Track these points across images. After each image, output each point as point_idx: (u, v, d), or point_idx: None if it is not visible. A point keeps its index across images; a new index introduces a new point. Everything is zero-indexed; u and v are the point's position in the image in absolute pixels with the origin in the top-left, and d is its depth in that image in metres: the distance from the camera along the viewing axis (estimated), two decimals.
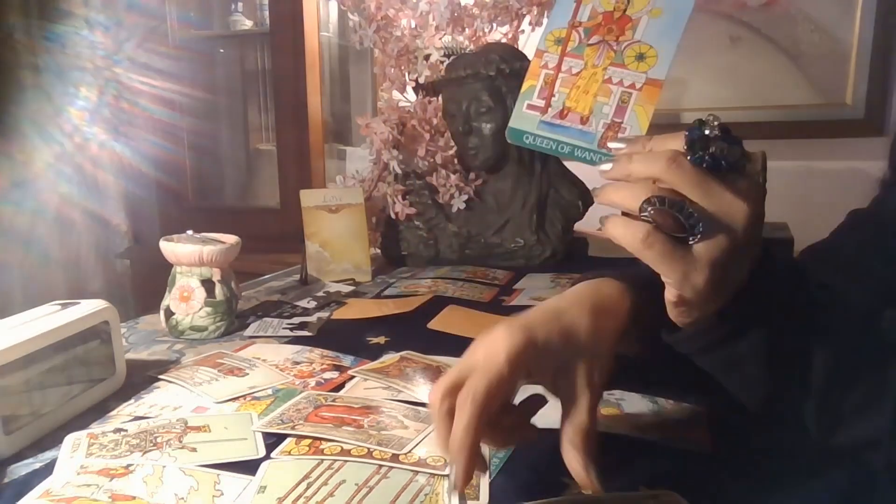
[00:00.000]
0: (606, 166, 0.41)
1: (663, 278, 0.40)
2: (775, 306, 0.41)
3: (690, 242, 0.37)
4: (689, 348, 0.43)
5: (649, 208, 0.37)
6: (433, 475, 0.45)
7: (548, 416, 0.54)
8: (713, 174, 0.37)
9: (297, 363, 0.68)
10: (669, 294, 0.41)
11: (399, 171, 1.19)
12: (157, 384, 0.64)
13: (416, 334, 0.76)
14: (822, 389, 0.41)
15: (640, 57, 0.44)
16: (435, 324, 0.81)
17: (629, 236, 0.38)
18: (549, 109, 0.51)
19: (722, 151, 0.37)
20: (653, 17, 0.45)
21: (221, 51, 2.26)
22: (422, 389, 0.60)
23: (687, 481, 0.44)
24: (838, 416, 0.41)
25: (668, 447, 0.48)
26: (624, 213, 0.39)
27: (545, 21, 0.54)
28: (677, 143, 0.39)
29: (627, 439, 0.49)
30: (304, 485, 0.44)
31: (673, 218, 0.37)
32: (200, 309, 0.77)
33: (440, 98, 1.23)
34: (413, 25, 1.25)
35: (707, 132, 0.38)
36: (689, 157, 0.37)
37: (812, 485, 0.42)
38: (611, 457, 0.47)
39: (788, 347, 0.41)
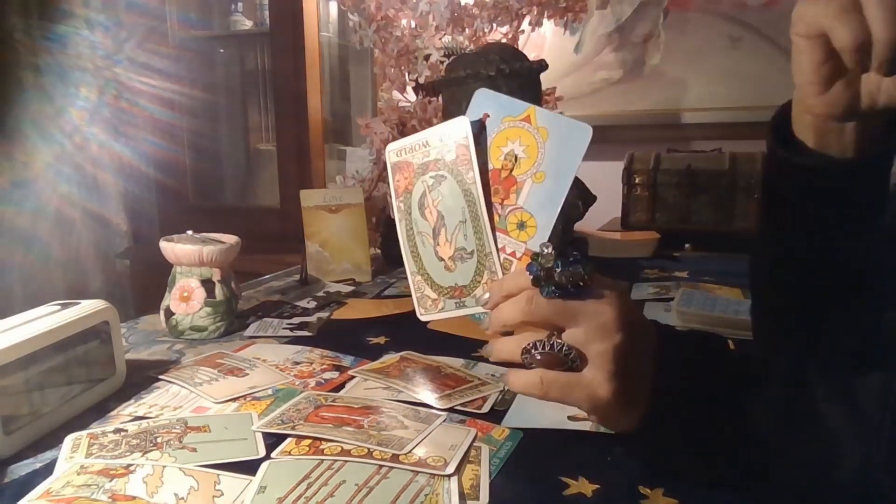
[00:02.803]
0: (487, 326, 0.44)
1: (578, 409, 0.41)
2: (693, 394, 0.42)
3: (577, 370, 0.39)
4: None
5: (526, 357, 0.40)
6: (433, 475, 0.45)
7: (548, 416, 0.54)
8: (568, 297, 0.39)
9: (297, 363, 0.68)
10: (591, 418, 0.42)
11: None
12: (157, 384, 0.64)
13: (416, 334, 0.76)
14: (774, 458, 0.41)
15: (521, 225, 0.44)
16: (435, 324, 0.81)
17: (529, 387, 0.41)
18: None
19: (564, 277, 0.39)
20: (536, 181, 0.44)
21: (221, 51, 2.26)
22: (422, 389, 0.60)
23: (686, 481, 0.44)
24: (797, 469, 0.41)
25: (668, 447, 0.48)
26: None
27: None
28: (527, 280, 0.41)
29: (627, 439, 0.49)
30: (304, 485, 0.44)
31: (549, 356, 0.40)
32: (200, 309, 0.77)
33: (440, 98, 1.23)
34: (413, 25, 1.25)
35: (544, 265, 0.40)
36: (542, 292, 0.40)
37: None
38: (610, 457, 0.48)
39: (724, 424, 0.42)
